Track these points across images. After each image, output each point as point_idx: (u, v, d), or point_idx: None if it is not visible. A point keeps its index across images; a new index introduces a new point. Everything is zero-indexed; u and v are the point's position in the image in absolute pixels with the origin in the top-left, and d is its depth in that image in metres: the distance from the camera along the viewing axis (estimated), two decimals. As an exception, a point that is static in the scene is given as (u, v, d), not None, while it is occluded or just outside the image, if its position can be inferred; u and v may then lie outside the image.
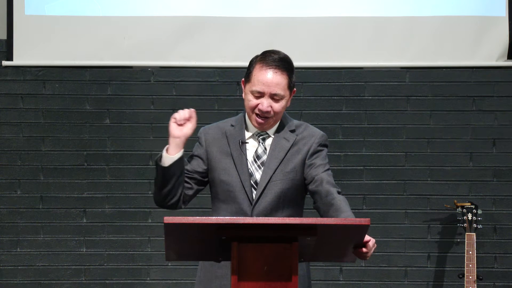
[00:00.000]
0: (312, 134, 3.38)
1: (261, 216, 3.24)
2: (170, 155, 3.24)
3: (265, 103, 3.27)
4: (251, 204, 3.30)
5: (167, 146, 3.27)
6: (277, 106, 3.28)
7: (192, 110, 3.27)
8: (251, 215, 3.27)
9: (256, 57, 3.34)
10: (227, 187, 3.32)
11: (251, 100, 3.28)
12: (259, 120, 3.30)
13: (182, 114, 3.25)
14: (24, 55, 5.33)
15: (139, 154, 5.35)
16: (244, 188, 3.30)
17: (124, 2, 5.32)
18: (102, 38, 5.32)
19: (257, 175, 3.31)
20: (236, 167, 3.32)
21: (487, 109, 5.36)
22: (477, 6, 5.32)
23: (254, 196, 3.30)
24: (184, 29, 5.31)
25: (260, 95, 3.27)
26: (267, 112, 3.28)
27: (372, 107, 5.36)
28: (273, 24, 5.30)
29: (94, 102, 5.37)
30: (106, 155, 5.36)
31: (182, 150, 3.26)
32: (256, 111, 3.28)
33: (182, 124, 3.25)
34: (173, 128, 3.26)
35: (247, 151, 3.34)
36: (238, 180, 3.31)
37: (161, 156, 3.26)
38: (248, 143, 3.35)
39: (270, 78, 3.26)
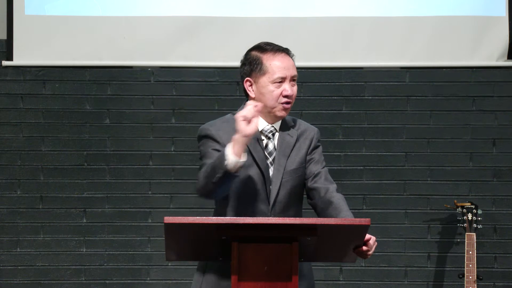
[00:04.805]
0: (308, 129, 3.37)
1: (278, 215, 3.20)
2: (237, 158, 3.00)
3: (288, 88, 3.23)
4: (269, 203, 3.23)
5: (230, 147, 3.01)
6: (295, 89, 3.27)
7: (259, 104, 3.08)
8: (270, 214, 3.20)
9: (254, 52, 3.28)
10: (247, 185, 3.21)
11: (274, 90, 3.22)
12: (286, 106, 3.24)
13: (250, 111, 3.02)
14: (24, 55, 5.33)
15: (139, 154, 5.35)
16: (266, 186, 3.22)
17: (124, 2, 5.32)
18: (102, 38, 5.32)
19: (270, 172, 3.25)
20: (258, 165, 3.22)
21: (487, 109, 5.36)
22: (477, 6, 5.31)
23: (271, 194, 3.23)
24: (184, 29, 5.31)
25: (282, 80, 3.23)
26: (291, 96, 3.24)
27: (372, 107, 5.36)
28: (273, 24, 5.29)
29: (94, 102, 5.37)
30: (106, 155, 5.36)
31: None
32: (281, 99, 3.23)
33: (250, 121, 3.02)
34: (243, 126, 3.00)
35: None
36: (260, 178, 3.22)
37: (227, 159, 3.00)
38: (264, 140, 3.29)
39: (287, 61, 3.25)
